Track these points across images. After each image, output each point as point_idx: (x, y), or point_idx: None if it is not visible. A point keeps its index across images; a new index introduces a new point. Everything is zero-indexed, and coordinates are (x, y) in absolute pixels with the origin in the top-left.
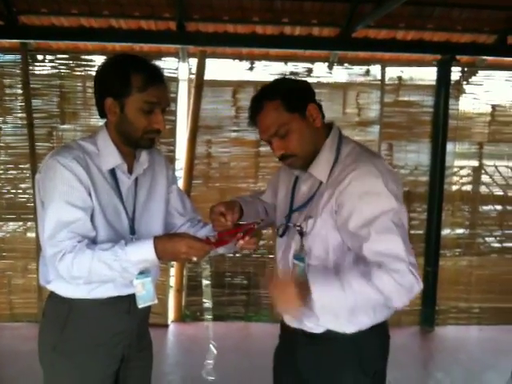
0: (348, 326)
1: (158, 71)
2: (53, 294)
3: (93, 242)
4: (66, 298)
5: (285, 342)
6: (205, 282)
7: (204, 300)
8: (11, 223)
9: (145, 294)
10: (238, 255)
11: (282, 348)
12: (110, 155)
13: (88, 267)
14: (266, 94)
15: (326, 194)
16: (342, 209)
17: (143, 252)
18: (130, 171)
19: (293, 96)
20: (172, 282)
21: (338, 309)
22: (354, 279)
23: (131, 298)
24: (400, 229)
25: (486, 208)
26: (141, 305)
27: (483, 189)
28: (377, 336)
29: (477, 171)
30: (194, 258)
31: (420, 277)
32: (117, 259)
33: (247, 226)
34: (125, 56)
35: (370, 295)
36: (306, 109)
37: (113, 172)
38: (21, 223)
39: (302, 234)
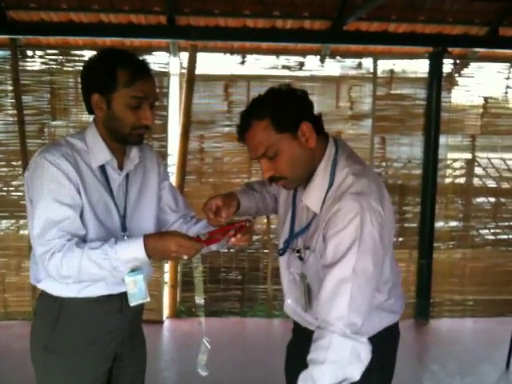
0: None
1: (144, 65)
2: (44, 293)
3: (83, 239)
4: (56, 296)
5: (297, 337)
6: (197, 279)
7: (196, 298)
8: (4, 221)
9: (137, 291)
10: (232, 250)
11: (294, 342)
12: (99, 152)
13: (77, 266)
14: (255, 111)
15: (318, 229)
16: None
17: (133, 250)
18: (121, 168)
19: (284, 114)
20: (166, 277)
21: None
22: None
23: (123, 296)
24: (359, 278)
25: (479, 200)
26: (133, 303)
27: (476, 181)
28: (386, 335)
29: (470, 163)
30: (185, 257)
31: (365, 334)
32: (107, 258)
33: (238, 223)
34: (110, 51)
35: None
36: (298, 128)
37: (103, 169)
38: (13, 221)
39: (301, 259)
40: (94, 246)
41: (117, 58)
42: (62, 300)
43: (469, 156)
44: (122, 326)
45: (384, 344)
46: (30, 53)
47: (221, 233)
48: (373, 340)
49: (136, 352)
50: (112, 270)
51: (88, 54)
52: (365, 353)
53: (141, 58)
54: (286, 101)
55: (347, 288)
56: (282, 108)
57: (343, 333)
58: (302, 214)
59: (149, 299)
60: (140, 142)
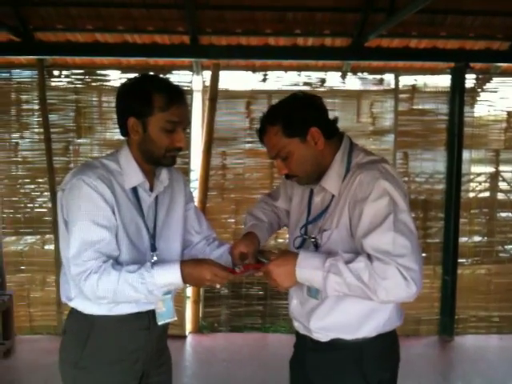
0: (353, 331)
1: (179, 91)
2: (74, 311)
3: (116, 260)
4: (87, 314)
5: (297, 349)
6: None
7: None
8: (29, 237)
9: (165, 311)
10: None
11: (295, 355)
12: (132, 173)
13: (113, 288)
14: (269, 117)
15: (340, 206)
16: (353, 215)
17: (170, 276)
18: (151, 189)
19: (293, 121)
20: (189, 292)
21: (315, 282)
22: (339, 261)
23: (150, 313)
24: (402, 227)
25: (503, 215)
26: (160, 322)
27: (501, 195)
28: (381, 345)
29: (494, 178)
30: (218, 285)
31: (417, 284)
32: (144, 282)
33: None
34: (146, 76)
35: (347, 279)
36: (307, 132)
37: (135, 190)
38: (38, 237)
39: (316, 246)
40: (131, 269)
41: (152, 83)
42: (92, 318)
43: (492, 170)
44: (149, 343)
45: (374, 353)
46: (56, 72)
47: (255, 269)
48: (365, 346)
49: (162, 369)
50: (147, 293)
51: (113, 74)
52: (402, 296)
53: (175, 84)
54: (297, 109)
55: (392, 233)
56: (292, 115)
57: (397, 268)
58: (316, 208)
59: (176, 318)
60: (173, 163)
